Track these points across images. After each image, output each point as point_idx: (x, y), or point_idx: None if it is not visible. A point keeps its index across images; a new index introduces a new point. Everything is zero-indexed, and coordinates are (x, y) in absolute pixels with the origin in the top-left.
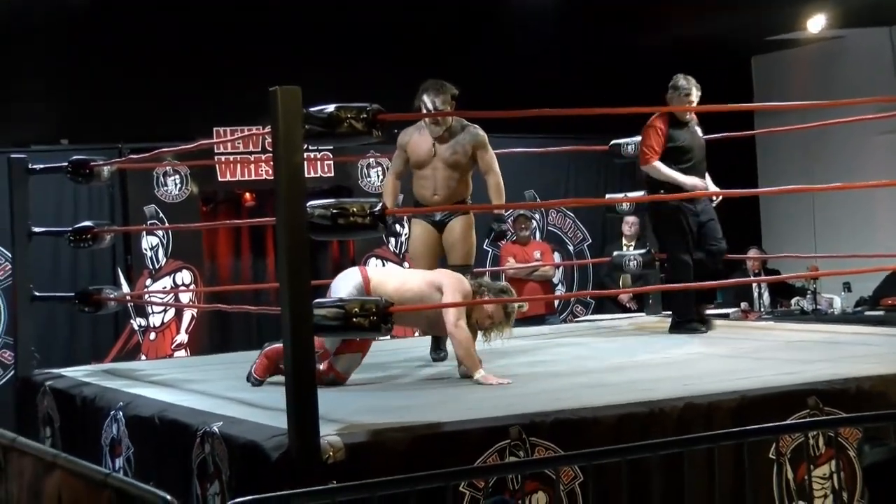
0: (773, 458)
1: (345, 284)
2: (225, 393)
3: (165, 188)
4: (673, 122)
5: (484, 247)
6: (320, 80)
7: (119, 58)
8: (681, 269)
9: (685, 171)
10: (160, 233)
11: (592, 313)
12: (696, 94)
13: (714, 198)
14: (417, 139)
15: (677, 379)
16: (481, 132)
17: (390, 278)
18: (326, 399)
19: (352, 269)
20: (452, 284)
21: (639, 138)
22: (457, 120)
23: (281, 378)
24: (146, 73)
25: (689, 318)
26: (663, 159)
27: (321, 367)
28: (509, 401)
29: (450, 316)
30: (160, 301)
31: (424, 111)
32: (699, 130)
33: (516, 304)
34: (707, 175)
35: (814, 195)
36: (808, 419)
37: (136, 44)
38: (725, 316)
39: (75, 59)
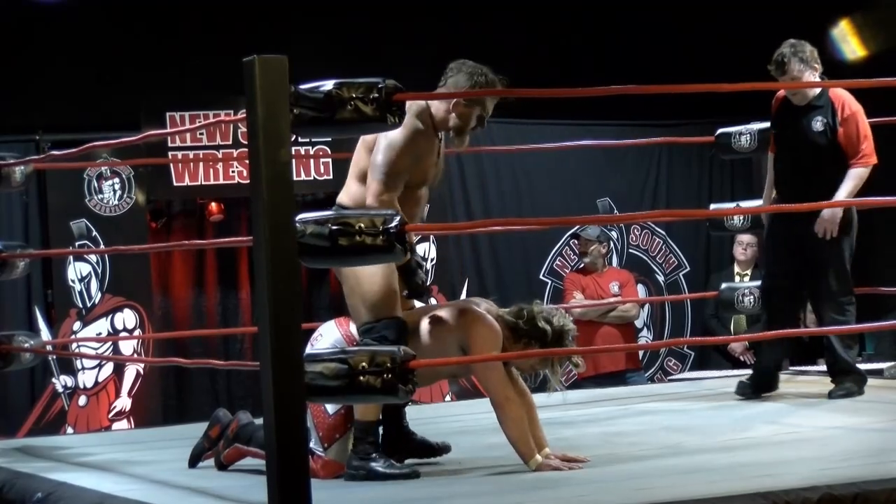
0: None
1: (321, 346)
2: (182, 480)
3: (100, 196)
4: None
5: (542, 276)
6: (312, 48)
7: (37, 18)
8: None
9: None
10: (94, 258)
11: (691, 369)
12: None
13: None
14: (426, 140)
15: (810, 461)
16: None
17: None
18: (320, 489)
19: (327, 324)
20: (481, 335)
21: (756, 126)
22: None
23: (255, 461)
24: (74, 39)
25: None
26: (777, 159)
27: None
28: (576, 490)
29: (493, 384)
30: (93, 353)
31: (475, 117)
32: None
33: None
34: None
35: None
36: None
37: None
38: (878, 373)
39: None
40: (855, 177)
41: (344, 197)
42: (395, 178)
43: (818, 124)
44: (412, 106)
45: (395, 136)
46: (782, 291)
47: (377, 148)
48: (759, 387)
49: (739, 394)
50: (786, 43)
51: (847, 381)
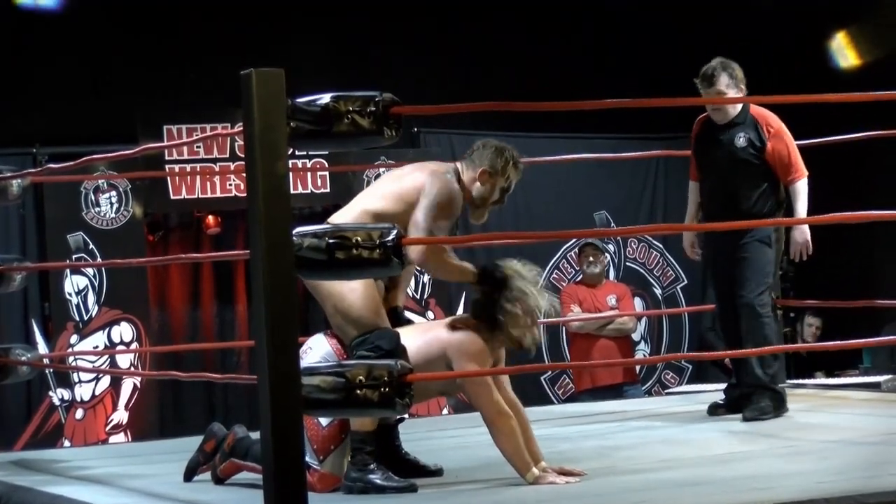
0: None
1: (311, 359)
2: (178, 493)
3: (97, 209)
4: None
5: None
6: (310, 61)
7: (33, 29)
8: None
9: None
10: (90, 271)
11: (688, 382)
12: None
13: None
14: (460, 203)
15: (808, 474)
16: None
17: None
18: (317, 502)
19: (315, 337)
20: (463, 350)
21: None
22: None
23: (251, 475)
24: (71, 52)
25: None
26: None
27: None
28: (573, 503)
29: (484, 400)
30: (90, 366)
31: (499, 190)
32: None
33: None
34: None
35: None
36: None
37: (57, 13)
38: (875, 386)
39: None
40: (802, 191)
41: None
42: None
43: (741, 140)
44: (450, 173)
45: (437, 197)
46: (730, 311)
47: (419, 206)
48: (736, 406)
49: (712, 414)
50: (715, 59)
51: (762, 400)
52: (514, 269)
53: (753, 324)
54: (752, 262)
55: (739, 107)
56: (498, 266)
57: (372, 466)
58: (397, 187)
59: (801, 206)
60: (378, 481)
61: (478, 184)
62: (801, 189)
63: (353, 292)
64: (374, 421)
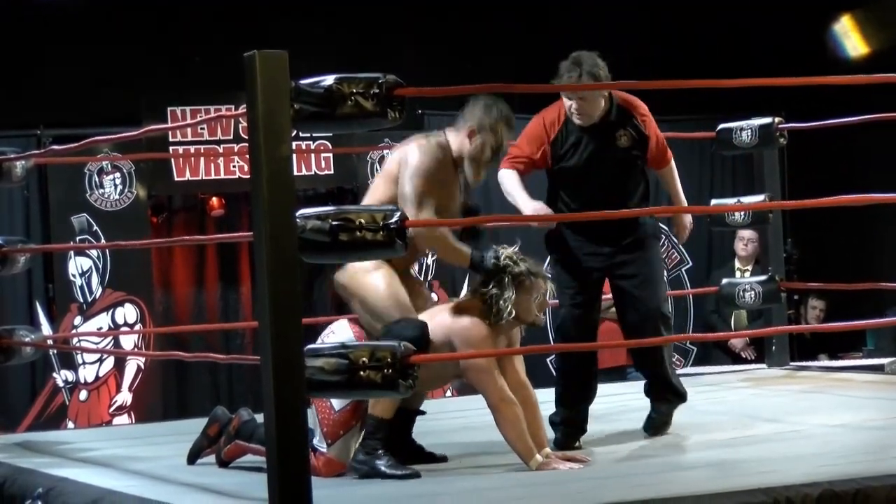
0: None
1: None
2: (182, 476)
3: (101, 191)
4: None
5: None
6: (313, 43)
7: (38, 12)
8: None
9: None
10: (94, 253)
11: (692, 364)
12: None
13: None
14: (446, 168)
15: (811, 457)
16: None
17: None
18: (320, 486)
19: (339, 322)
20: (467, 337)
21: (756, 122)
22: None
23: (256, 458)
24: (75, 34)
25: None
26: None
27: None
28: (577, 487)
29: (487, 386)
30: (94, 347)
31: (489, 148)
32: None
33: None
34: None
35: None
36: None
37: None
38: (879, 368)
39: None
40: (676, 175)
41: None
42: (425, 202)
43: (622, 140)
44: (432, 138)
45: (417, 163)
46: (582, 318)
47: (402, 179)
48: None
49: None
50: (579, 59)
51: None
52: (509, 256)
53: (665, 333)
54: (648, 262)
55: (604, 103)
56: (490, 257)
57: (379, 452)
58: (383, 170)
59: (680, 188)
60: (383, 468)
61: (466, 142)
62: (675, 171)
63: (376, 289)
64: (393, 409)
